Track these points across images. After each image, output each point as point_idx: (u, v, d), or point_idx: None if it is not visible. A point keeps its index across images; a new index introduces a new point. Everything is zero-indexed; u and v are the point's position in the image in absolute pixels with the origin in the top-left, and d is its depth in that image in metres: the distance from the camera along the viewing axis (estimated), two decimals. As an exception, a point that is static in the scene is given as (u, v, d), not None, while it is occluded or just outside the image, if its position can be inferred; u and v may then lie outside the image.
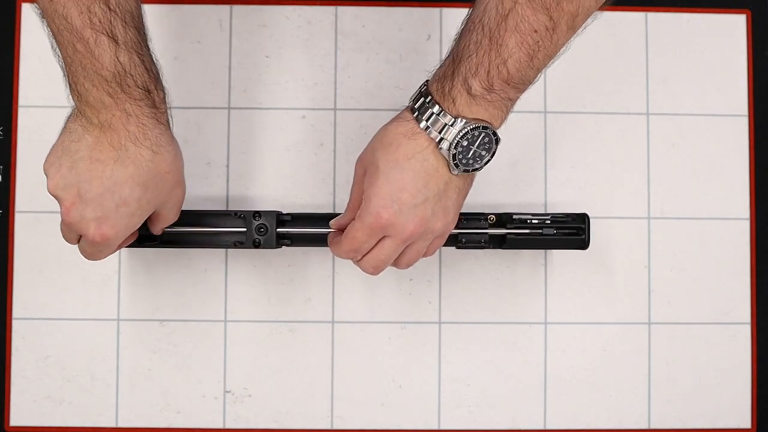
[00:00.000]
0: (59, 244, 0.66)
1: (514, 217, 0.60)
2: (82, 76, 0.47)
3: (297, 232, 0.61)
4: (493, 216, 0.61)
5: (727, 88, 0.68)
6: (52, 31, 0.48)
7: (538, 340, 0.67)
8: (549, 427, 0.67)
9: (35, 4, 0.49)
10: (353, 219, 0.53)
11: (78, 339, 0.66)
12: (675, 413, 0.67)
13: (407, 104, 0.51)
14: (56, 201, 0.51)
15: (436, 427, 0.67)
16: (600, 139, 0.68)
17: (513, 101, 0.50)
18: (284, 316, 0.66)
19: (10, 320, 0.66)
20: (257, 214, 0.60)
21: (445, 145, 0.49)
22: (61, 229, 0.54)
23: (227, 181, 0.67)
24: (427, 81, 0.51)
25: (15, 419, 0.66)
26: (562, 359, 0.67)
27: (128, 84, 0.48)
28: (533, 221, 0.60)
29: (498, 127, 0.50)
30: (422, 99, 0.50)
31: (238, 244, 0.60)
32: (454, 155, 0.49)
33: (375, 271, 0.54)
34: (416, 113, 0.50)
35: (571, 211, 0.62)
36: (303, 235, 0.61)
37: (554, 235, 0.60)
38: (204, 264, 0.66)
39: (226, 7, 0.68)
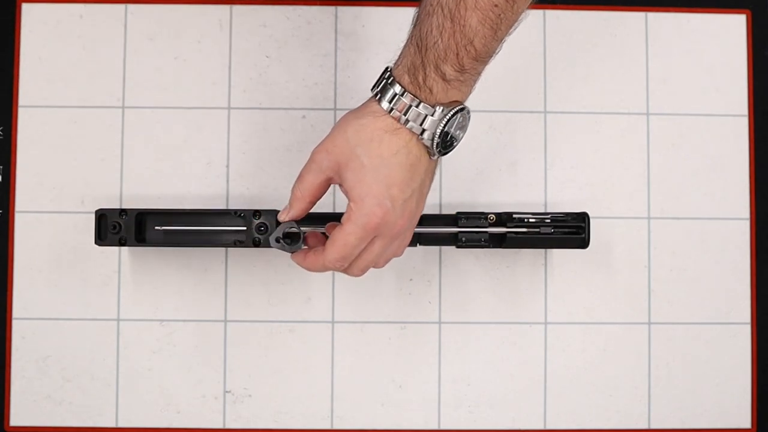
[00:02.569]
0: (59, 244, 0.66)
1: (514, 216, 0.60)
2: None
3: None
4: (493, 215, 0.61)
5: (727, 88, 0.68)
6: None
7: (538, 340, 0.67)
8: (549, 427, 0.67)
9: None
10: (306, 210, 0.52)
11: (78, 339, 0.66)
12: (675, 413, 0.67)
13: (373, 95, 0.50)
14: None
15: (436, 427, 0.67)
16: (600, 139, 0.68)
17: (480, 73, 0.49)
18: (284, 316, 0.66)
19: (10, 320, 0.66)
20: (257, 213, 0.60)
21: (426, 135, 0.49)
22: None
23: (227, 181, 0.67)
24: (390, 70, 0.50)
25: (15, 419, 0.66)
26: (562, 359, 0.67)
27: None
28: (532, 220, 0.60)
29: (466, 100, 0.50)
30: (392, 91, 0.49)
31: (238, 243, 0.60)
32: (437, 143, 0.49)
33: (362, 273, 0.53)
34: (392, 109, 0.49)
35: (571, 211, 0.62)
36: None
37: (554, 234, 0.60)
38: (204, 264, 0.66)
39: (226, 7, 0.68)
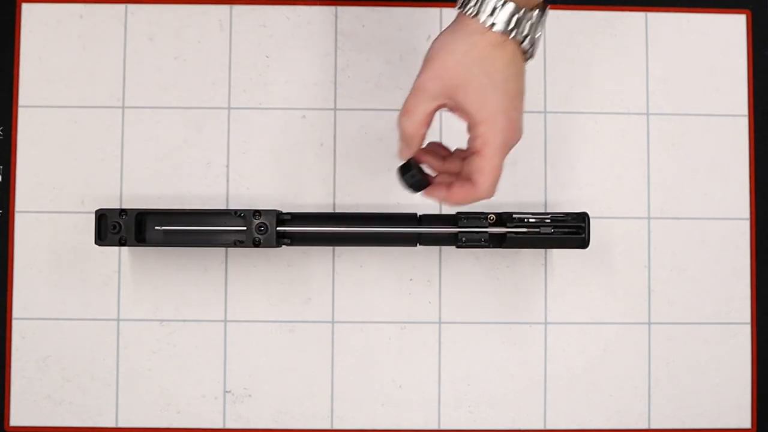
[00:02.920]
0: (59, 244, 0.66)
1: (515, 216, 0.60)
2: None
3: (297, 231, 0.61)
4: (493, 215, 0.61)
5: (727, 88, 0.68)
6: None
7: (538, 340, 0.67)
8: (549, 427, 0.67)
9: None
10: (421, 143, 0.51)
11: (78, 339, 0.66)
12: (675, 413, 0.67)
13: (466, 13, 0.49)
14: None
15: (436, 427, 0.67)
16: (600, 139, 0.68)
17: None
18: (284, 316, 0.66)
19: (10, 320, 0.66)
20: (257, 213, 0.60)
21: (527, 40, 0.49)
22: None
23: (227, 181, 0.67)
24: None
25: (15, 419, 0.66)
26: (562, 359, 0.67)
27: None
28: (532, 220, 0.61)
29: None
30: (492, 4, 0.48)
31: (238, 243, 0.60)
32: (534, 47, 0.50)
33: None
34: (493, 24, 0.48)
35: (571, 211, 0.62)
36: (303, 234, 0.61)
37: (554, 234, 0.60)
38: (204, 264, 0.66)
39: (226, 7, 0.68)
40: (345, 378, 0.66)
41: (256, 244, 0.59)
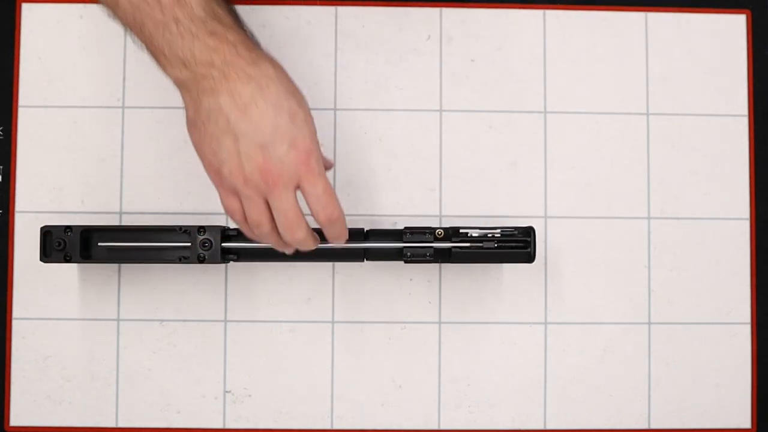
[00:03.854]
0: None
1: (460, 230, 0.61)
2: (178, 35, 0.49)
3: (242, 247, 0.61)
4: (441, 230, 0.61)
5: (727, 88, 0.68)
6: (126, 13, 0.50)
7: (538, 340, 0.67)
8: (549, 427, 0.67)
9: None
10: None
11: (78, 339, 0.66)
12: (675, 413, 0.67)
13: None
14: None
15: (436, 427, 0.67)
16: (600, 139, 0.68)
17: None
18: (284, 316, 0.66)
19: (10, 320, 0.66)
20: (202, 229, 0.60)
21: None
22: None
23: (227, 181, 0.67)
24: None
25: (15, 419, 0.66)
26: (562, 359, 0.67)
27: (220, 15, 0.50)
28: (475, 234, 0.60)
29: None
30: None
31: (183, 260, 0.60)
32: None
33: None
34: None
35: (520, 225, 0.61)
36: (248, 250, 0.61)
37: (497, 248, 0.60)
38: (204, 264, 0.66)
39: (226, 7, 0.68)
40: (345, 378, 0.66)
41: (201, 260, 0.60)
